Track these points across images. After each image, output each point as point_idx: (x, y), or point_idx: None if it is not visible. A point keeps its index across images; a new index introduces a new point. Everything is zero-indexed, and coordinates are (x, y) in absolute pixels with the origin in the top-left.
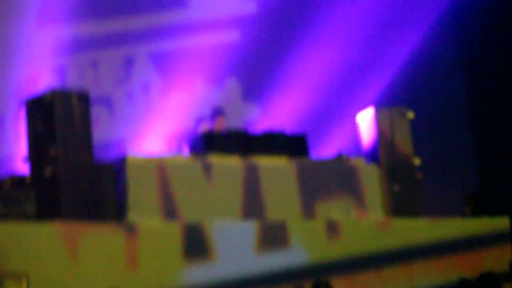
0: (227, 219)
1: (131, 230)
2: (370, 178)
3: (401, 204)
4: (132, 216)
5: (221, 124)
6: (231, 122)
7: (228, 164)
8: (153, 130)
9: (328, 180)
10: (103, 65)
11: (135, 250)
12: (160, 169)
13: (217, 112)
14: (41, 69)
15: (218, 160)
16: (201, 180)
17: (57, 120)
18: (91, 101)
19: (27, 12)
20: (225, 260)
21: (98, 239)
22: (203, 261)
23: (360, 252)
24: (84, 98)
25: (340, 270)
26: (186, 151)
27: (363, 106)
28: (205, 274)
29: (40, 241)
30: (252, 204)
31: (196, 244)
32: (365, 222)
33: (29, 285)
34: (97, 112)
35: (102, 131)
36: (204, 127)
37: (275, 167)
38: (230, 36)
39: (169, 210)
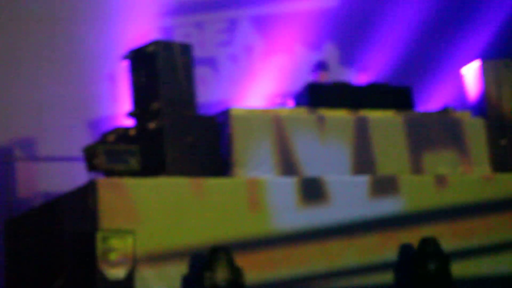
0: (340, 173)
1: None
2: (476, 131)
3: (508, 158)
4: (238, 171)
5: (324, 79)
6: None
7: (340, 117)
8: (255, 91)
9: (435, 133)
10: (207, 27)
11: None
12: (275, 121)
13: (320, 66)
14: (147, 30)
15: (330, 113)
16: (315, 133)
17: (160, 71)
18: (196, 62)
19: None
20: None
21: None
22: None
23: (466, 201)
24: (187, 50)
25: (447, 217)
26: (290, 104)
27: (469, 59)
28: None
29: (146, 197)
30: (363, 158)
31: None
32: (471, 177)
33: (135, 241)
34: (201, 72)
35: (207, 91)
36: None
37: (383, 120)
38: (327, 2)
39: (285, 164)
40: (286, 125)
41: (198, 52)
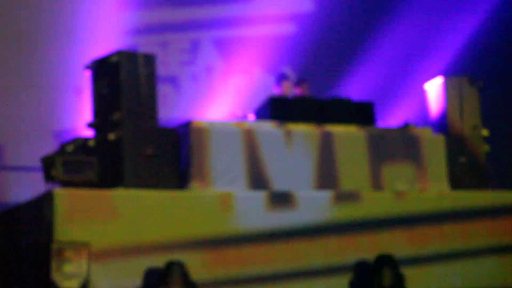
0: (305, 187)
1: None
2: (436, 148)
3: (466, 176)
4: (195, 183)
5: (287, 89)
6: None
7: (306, 131)
8: (215, 109)
9: (395, 149)
10: (171, 47)
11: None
12: (241, 133)
13: (283, 77)
14: (112, 46)
15: (297, 127)
16: (282, 146)
17: (123, 81)
18: (159, 80)
19: None
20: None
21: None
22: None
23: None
24: (150, 60)
25: (404, 224)
26: (251, 118)
27: (431, 75)
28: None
29: (103, 208)
30: (327, 172)
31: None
32: (429, 194)
33: (90, 254)
34: (164, 90)
35: (168, 108)
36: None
37: (347, 135)
38: (287, 29)
39: (250, 177)
40: (252, 137)
41: (161, 71)
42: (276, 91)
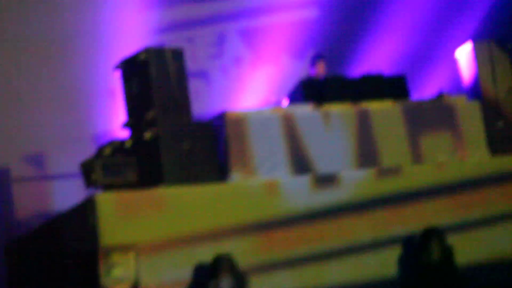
0: (347, 166)
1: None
2: (472, 115)
3: (505, 140)
4: (236, 174)
5: (322, 69)
6: None
7: (342, 111)
8: (246, 100)
9: (432, 121)
10: (198, 42)
11: None
12: (284, 119)
13: (317, 57)
14: (140, 46)
15: (331, 108)
16: (321, 129)
17: (153, 79)
18: (189, 75)
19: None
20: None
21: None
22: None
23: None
24: (178, 55)
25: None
26: (285, 103)
27: (461, 42)
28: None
29: (146, 207)
30: (367, 149)
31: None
32: (469, 162)
33: (138, 255)
34: (194, 85)
35: (200, 102)
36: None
37: (382, 111)
38: (310, 14)
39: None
40: (290, 122)
41: (190, 66)
42: (311, 72)
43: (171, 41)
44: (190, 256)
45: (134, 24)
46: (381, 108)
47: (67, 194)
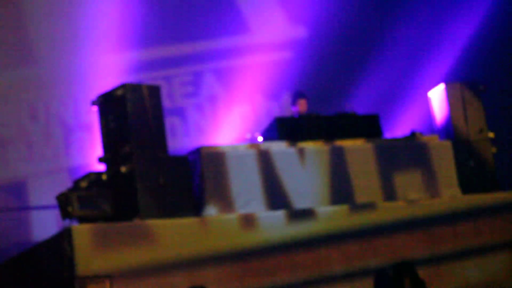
0: (320, 203)
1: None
2: (444, 154)
3: (475, 179)
4: (211, 209)
5: (304, 106)
6: None
7: (316, 148)
8: (223, 135)
9: (404, 159)
10: (174, 81)
11: None
12: (260, 155)
13: (299, 95)
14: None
15: (307, 145)
16: (296, 165)
17: (129, 114)
18: (166, 113)
19: (100, 37)
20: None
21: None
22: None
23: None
24: (154, 91)
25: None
26: (259, 140)
27: (434, 83)
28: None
29: (121, 239)
30: (341, 187)
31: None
32: (441, 200)
33: (112, 285)
34: (170, 122)
35: (177, 139)
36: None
37: (356, 149)
38: (284, 55)
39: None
40: (266, 158)
41: (166, 103)
42: (293, 109)
43: (148, 79)
44: (165, 286)
45: (111, 62)
46: (354, 146)
47: (45, 225)
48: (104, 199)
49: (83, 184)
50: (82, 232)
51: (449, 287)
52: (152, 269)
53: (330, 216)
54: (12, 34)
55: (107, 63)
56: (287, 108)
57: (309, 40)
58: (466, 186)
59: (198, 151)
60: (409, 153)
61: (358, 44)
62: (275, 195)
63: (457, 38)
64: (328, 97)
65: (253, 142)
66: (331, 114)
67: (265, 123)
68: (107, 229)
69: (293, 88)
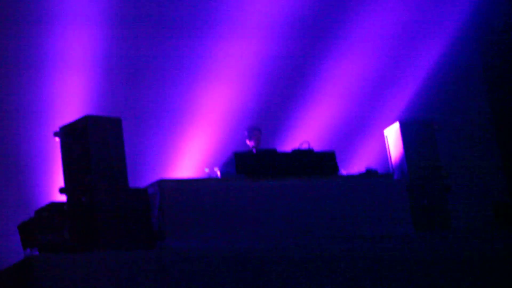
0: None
1: None
2: (398, 193)
3: (431, 217)
4: (170, 240)
5: (258, 141)
6: None
7: (275, 184)
8: (182, 168)
9: (359, 196)
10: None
11: None
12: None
13: (253, 129)
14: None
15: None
16: (254, 200)
17: (91, 145)
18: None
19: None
20: None
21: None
22: None
23: None
24: (116, 123)
25: None
26: (217, 174)
27: (389, 121)
28: None
29: (80, 270)
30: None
31: None
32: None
33: None
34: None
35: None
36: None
37: (312, 185)
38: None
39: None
40: (221, 192)
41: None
42: (249, 144)
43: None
44: None
45: (73, 92)
46: (309, 182)
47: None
48: (65, 229)
49: (45, 213)
50: (41, 262)
51: None
52: None
53: None
54: None
55: (69, 92)
56: (243, 142)
57: (262, 74)
58: (420, 224)
59: (157, 184)
60: (364, 190)
61: (316, 78)
62: (233, 229)
63: (413, 76)
64: (284, 132)
65: (211, 176)
66: (289, 151)
67: (224, 155)
68: (67, 259)
69: (249, 123)
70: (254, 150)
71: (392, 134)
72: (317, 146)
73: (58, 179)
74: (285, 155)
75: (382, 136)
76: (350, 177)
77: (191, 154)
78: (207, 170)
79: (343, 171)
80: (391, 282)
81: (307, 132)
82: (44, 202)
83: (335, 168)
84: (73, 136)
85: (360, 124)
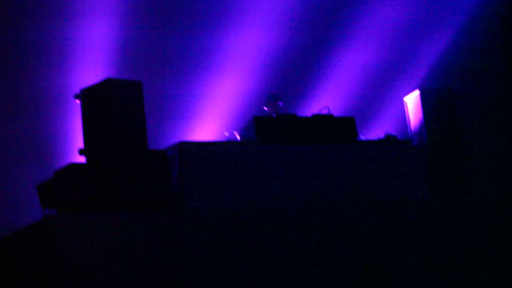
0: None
1: None
2: (417, 158)
3: (449, 183)
4: (186, 203)
5: (277, 108)
6: None
7: (292, 149)
8: (203, 131)
9: (378, 162)
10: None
11: None
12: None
13: (273, 96)
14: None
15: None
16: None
17: (111, 108)
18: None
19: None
20: None
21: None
22: None
23: None
24: (137, 87)
25: None
26: (237, 138)
27: (410, 88)
28: None
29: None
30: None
31: None
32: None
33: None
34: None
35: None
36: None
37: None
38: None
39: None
40: (240, 156)
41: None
42: (268, 110)
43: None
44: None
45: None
46: (327, 148)
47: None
48: (83, 190)
49: (64, 174)
50: (60, 221)
51: None
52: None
53: None
54: None
55: (92, 52)
56: (262, 108)
57: (284, 43)
58: (438, 189)
59: (176, 146)
60: (382, 156)
61: (337, 46)
62: (251, 192)
63: (434, 43)
64: (304, 97)
65: (231, 140)
66: (309, 116)
67: (244, 120)
68: (86, 219)
69: (270, 89)
70: (274, 115)
71: (412, 101)
72: (337, 112)
73: (78, 141)
74: (305, 120)
75: (401, 103)
76: (369, 143)
77: (211, 118)
78: (226, 134)
79: (362, 137)
80: (407, 247)
81: (327, 98)
82: (63, 161)
83: (354, 133)
84: (93, 98)
85: (380, 91)
